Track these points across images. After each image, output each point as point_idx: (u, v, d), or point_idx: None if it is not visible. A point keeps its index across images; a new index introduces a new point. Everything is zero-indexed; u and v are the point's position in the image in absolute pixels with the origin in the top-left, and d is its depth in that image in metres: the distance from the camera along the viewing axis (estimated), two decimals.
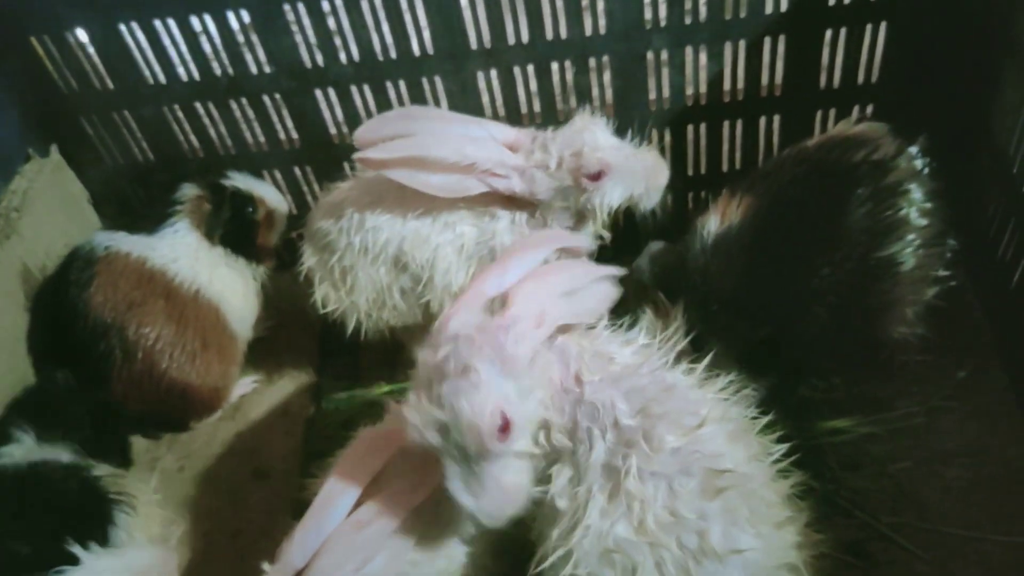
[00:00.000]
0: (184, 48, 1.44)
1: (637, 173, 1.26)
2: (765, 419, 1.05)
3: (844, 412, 1.34)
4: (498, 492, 0.96)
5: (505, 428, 0.92)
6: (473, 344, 0.94)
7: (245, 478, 1.46)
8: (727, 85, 1.45)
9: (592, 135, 1.24)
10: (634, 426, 0.96)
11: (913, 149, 1.25)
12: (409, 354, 1.42)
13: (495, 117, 1.47)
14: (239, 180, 1.52)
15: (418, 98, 1.46)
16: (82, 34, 1.43)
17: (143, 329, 1.40)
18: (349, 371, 1.58)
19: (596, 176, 1.24)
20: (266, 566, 1.01)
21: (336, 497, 1.02)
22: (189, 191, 1.48)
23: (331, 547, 1.00)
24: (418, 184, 1.22)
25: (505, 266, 1.06)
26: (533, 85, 1.45)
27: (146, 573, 1.09)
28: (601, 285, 1.14)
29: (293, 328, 1.66)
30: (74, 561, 1.03)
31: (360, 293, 1.36)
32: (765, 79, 1.44)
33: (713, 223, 1.30)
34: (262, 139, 1.56)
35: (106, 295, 1.38)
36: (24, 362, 1.43)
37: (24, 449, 1.24)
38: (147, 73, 1.47)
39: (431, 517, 1.05)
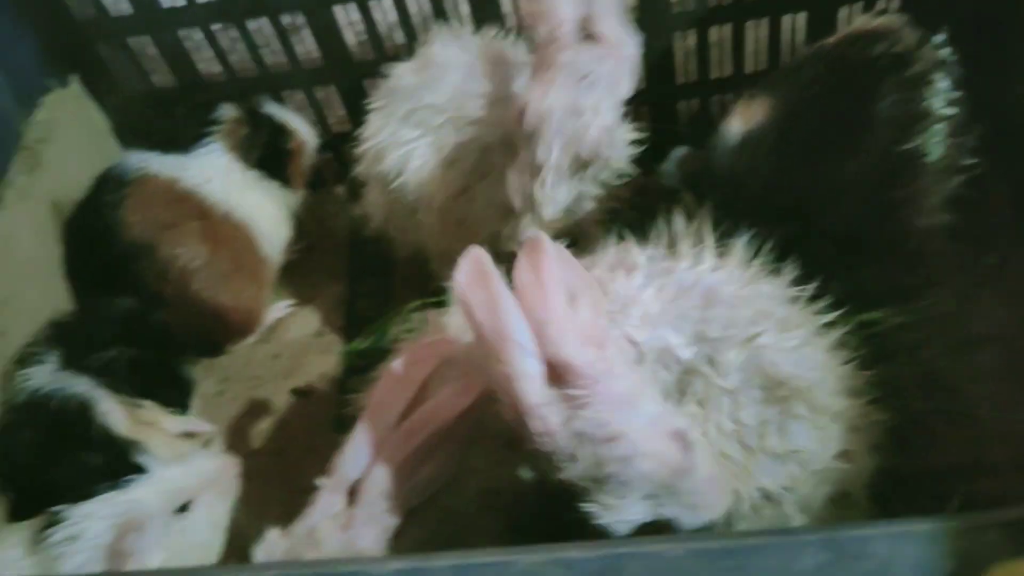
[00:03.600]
0: None
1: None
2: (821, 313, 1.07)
3: (875, 305, 1.34)
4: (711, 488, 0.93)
5: (682, 441, 0.88)
6: (597, 415, 0.87)
7: (285, 398, 1.49)
8: None
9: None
10: (693, 357, 0.98)
11: (938, 38, 1.25)
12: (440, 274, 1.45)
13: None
14: (273, 109, 1.52)
15: (441, 14, 1.44)
16: None
17: (176, 250, 1.40)
18: (381, 290, 1.60)
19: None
20: (320, 480, 1.03)
21: (385, 408, 1.04)
22: (228, 112, 1.49)
23: (384, 457, 1.01)
24: None
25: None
26: None
27: (213, 477, 1.13)
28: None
29: (323, 250, 1.67)
30: (142, 470, 1.07)
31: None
32: None
33: (737, 124, 1.30)
34: (283, 60, 1.55)
35: (139, 215, 1.39)
36: (58, 293, 1.44)
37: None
38: None
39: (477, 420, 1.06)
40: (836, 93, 1.23)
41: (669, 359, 0.99)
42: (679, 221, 1.32)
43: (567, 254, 0.96)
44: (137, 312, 1.35)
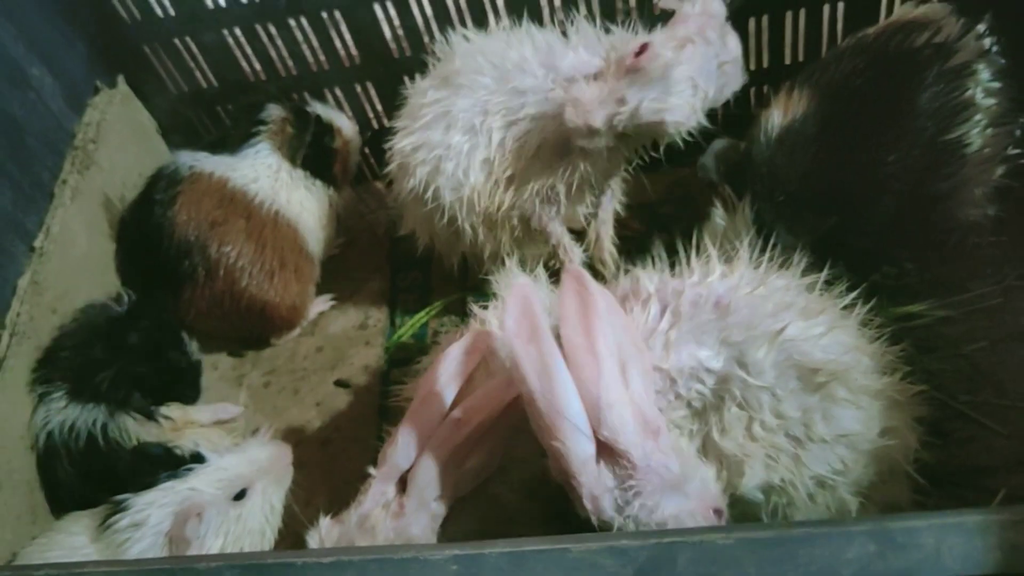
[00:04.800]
0: None
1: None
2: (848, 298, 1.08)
3: (918, 297, 1.34)
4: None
5: (721, 515, 0.94)
6: (647, 502, 0.90)
7: (329, 389, 1.52)
8: None
9: None
10: (723, 365, 1.00)
11: (980, 27, 1.24)
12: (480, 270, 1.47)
13: (551, 13, 1.46)
14: (319, 109, 1.55)
15: (477, 8, 1.46)
16: None
17: (225, 247, 1.44)
18: (421, 284, 1.62)
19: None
20: (371, 469, 1.04)
21: (433, 400, 1.05)
22: (274, 112, 1.52)
23: (433, 447, 1.03)
24: None
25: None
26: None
27: (268, 464, 1.16)
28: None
29: (363, 245, 1.70)
30: (200, 460, 1.11)
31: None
32: None
33: (777, 116, 1.31)
34: (322, 58, 1.57)
35: (190, 214, 1.43)
36: (111, 287, 1.47)
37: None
38: None
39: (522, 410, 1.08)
40: (877, 84, 1.23)
41: (702, 374, 1.01)
42: (718, 214, 1.37)
43: (610, 299, 0.97)
44: (122, 315, 1.37)
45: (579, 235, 1.46)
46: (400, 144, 1.35)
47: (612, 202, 1.46)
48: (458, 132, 1.30)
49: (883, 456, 1.00)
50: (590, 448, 0.89)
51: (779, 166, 1.27)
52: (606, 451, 0.90)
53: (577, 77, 1.24)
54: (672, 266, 1.12)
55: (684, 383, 1.01)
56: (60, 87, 1.48)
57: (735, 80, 1.25)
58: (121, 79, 1.59)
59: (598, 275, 1.46)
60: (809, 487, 0.99)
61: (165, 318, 1.42)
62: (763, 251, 1.10)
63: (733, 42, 1.24)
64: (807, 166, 1.26)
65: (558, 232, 1.40)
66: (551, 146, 1.30)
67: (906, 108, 1.21)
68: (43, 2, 1.46)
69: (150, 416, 1.33)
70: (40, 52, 1.44)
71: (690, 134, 1.25)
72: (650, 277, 1.08)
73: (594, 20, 1.33)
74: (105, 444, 1.26)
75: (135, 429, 1.30)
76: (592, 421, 0.89)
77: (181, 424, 1.37)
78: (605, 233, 1.47)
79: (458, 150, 1.31)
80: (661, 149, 1.28)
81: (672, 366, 1.00)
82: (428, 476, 1.02)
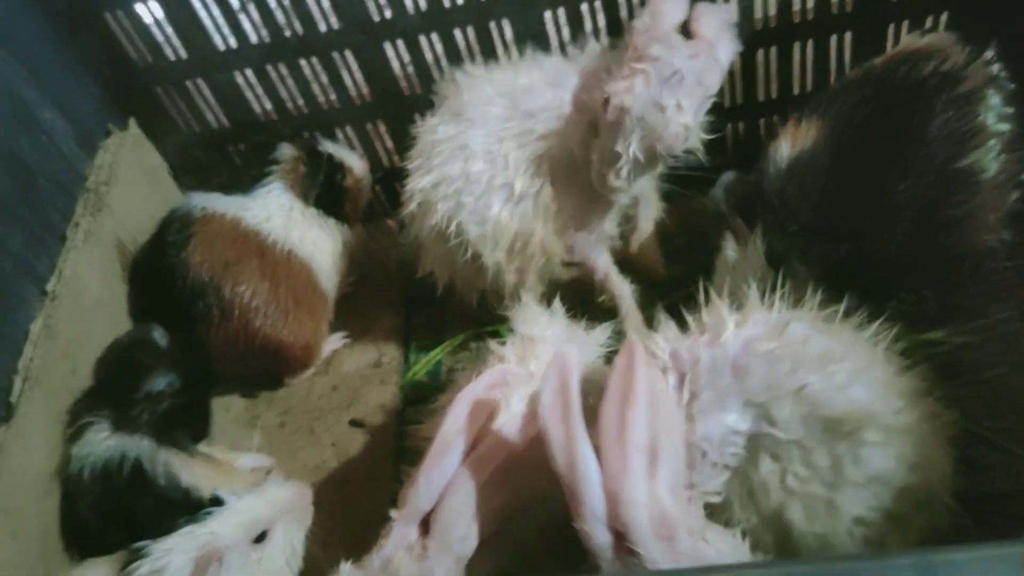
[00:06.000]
0: (253, 10, 1.45)
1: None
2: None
3: (936, 324, 1.33)
4: None
5: None
6: None
7: (345, 428, 1.51)
8: (796, 5, 1.43)
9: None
10: (751, 425, 0.99)
11: (987, 54, 1.24)
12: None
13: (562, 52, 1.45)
14: (330, 147, 1.55)
15: (487, 44, 1.47)
16: (154, 6, 1.45)
17: (239, 288, 1.44)
18: (434, 320, 1.61)
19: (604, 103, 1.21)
20: (392, 512, 1.02)
21: (453, 438, 1.03)
22: (287, 151, 1.52)
23: (456, 487, 1.01)
24: None
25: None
26: (601, 20, 1.44)
27: (288, 505, 1.15)
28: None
29: (377, 282, 1.69)
30: (219, 503, 1.09)
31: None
32: None
33: (785, 147, 1.30)
34: (333, 97, 1.58)
35: (203, 255, 1.42)
36: (126, 331, 1.45)
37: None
38: (217, 39, 1.49)
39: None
40: (887, 113, 1.23)
41: (732, 437, 1.00)
42: (729, 246, 1.36)
43: (658, 384, 0.95)
44: (170, 351, 1.38)
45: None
46: (419, 183, 1.35)
47: (651, 209, 1.47)
48: (477, 161, 1.31)
49: (919, 486, 0.99)
50: (607, 537, 0.89)
51: (790, 197, 1.27)
52: (622, 541, 0.89)
53: None
54: (687, 302, 1.11)
55: (716, 451, 1.00)
56: (72, 129, 1.48)
57: (709, 62, 1.22)
58: (132, 121, 1.59)
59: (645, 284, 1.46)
60: (849, 527, 0.98)
61: (202, 354, 1.43)
62: (776, 286, 1.09)
63: (678, 41, 1.21)
64: (818, 196, 1.25)
65: (603, 264, 1.40)
66: (564, 166, 1.30)
67: (916, 136, 1.21)
68: (55, 45, 1.47)
69: (192, 453, 1.33)
70: (52, 95, 1.44)
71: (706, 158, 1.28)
72: (664, 344, 1.06)
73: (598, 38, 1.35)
74: (150, 477, 1.25)
75: (180, 466, 1.28)
76: (609, 512, 0.88)
77: (225, 465, 1.36)
78: (649, 242, 1.47)
79: (477, 179, 1.31)
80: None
81: (700, 438, 0.99)
82: (451, 517, 1.00)
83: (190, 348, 1.42)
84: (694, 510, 0.96)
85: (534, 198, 1.32)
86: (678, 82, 1.19)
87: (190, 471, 1.29)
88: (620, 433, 0.90)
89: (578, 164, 1.30)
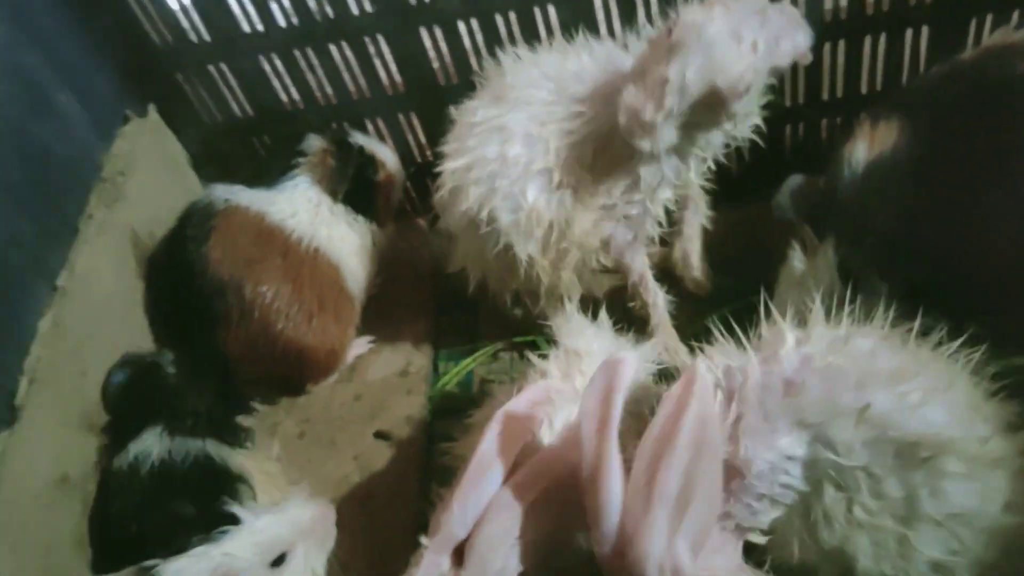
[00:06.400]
0: None
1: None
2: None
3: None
4: None
5: None
6: None
7: (369, 441, 1.42)
8: None
9: None
10: (807, 450, 0.88)
11: None
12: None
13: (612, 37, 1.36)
14: (361, 139, 1.47)
15: (529, 29, 1.37)
16: None
17: (260, 287, 1.35)
18: (467, 326, 1.52)
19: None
20: (423, 539, 0.94)
21: (491, 461, 0.95)
22: (315, 143, 1.43)
23: (493, 515, 0.93)
24: None
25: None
26: (654, 3, 1.33)
27: (309, 526, 1.06)
28: None
29: (405, 284, 1.60)
30: (235, 521, 1.01)
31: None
32: None
33: (863, 150, 1.19)
34: (364, 85, 1.49)
35: (224, 250, 1.34)
36: (138, 330, 1.39)
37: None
38: (243, 22, 1.40)
39: None
40: (979, 114, 1.12)
41: (784, 464, 0.89)
42: (796, 257, 1.26)
43: (707, 422, 0.85)
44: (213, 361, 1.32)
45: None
46: (452, 165, 1.26)
47: (697, 215, 1.37)
48: (515, 144, 1.21)
49: (1011, 531, 0.88)
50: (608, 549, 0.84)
51: (870, 205, 1.16)
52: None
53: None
54: (738, 316, 1.01)
55: (765, 481, 0.89)
56: (88, 116, 1.39)
57: (791, 30, 1.14)
58: (152, 108, 1.51)
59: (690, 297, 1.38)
60: (924, 571, 0.87)
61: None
62: (846, 301, 0.98)
63: None
64: (900, 204, 1.15)
65: (639, 266, 1.31)
66: (609, 154, 1.21)
67: (1014, 140, 1.10)
68: (71, 24, 1.38)
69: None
70: (68, 78, 1.36)
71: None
72: (714, 363, 0.95)
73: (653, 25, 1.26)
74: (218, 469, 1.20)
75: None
76: (619, 547, 0.83)
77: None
78: (693, 250, 1.38)
79: (514, 163, 1.21)
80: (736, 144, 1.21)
81: (742, 461, 0.89)
82: (487, 547, 0.92)
83: (207, 352, 1.34)
84: (729, 549, 0.88)
85: (574, 187, 1.23)
86: (754, 21, 1.09)
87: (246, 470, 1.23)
88: (651, 478, 0.81)
89: (616, 133, 1.18)
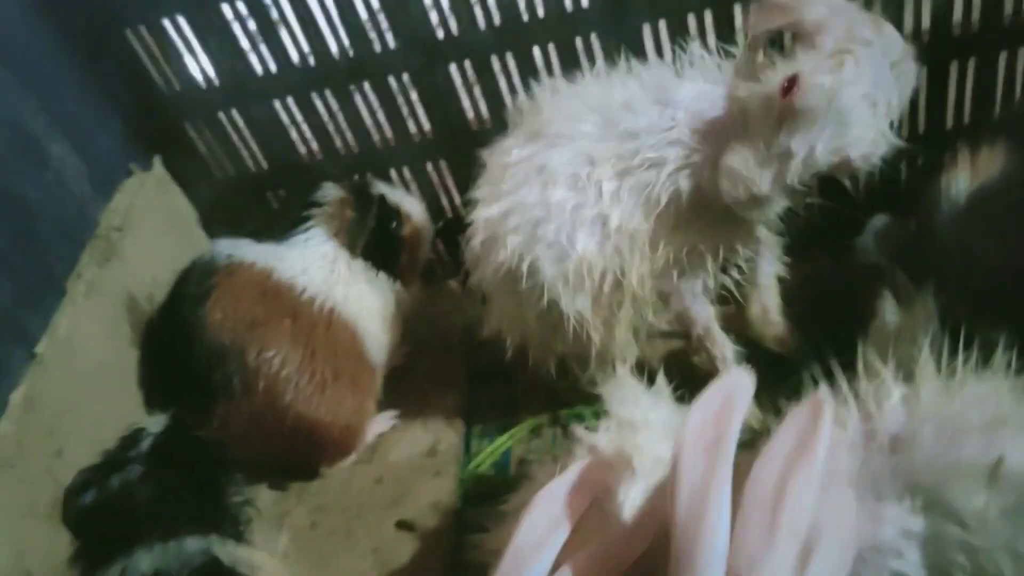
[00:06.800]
0: (297, 28, 1.25)
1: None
2: None
3: None
4: None
5: None
6: None
7: (389, 532, 1.25)
8: (957, 15, 1.18)
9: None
10: (925, 524, 0.71)
11: None
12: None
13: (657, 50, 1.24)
14: (384, 189, 1.34)
15: (570, 62, 1.24)
16: (182, 23, 1.26)
17: (266, 353, 1.21)
18: (502, 399, 1.37)
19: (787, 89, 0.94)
20: None
21: (530, 554, 0.80)
22: (331, 192, 1.31)
23: None
24: None
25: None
26: (711, 38, 1.20)
27: None
28: None
29: (434, 353, 1.45)
30: None
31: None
32: (1008, 5, 1.16)
33: (963, 180, 1.06)
34: (388, 131, 1.37)
35: (225, 311, 1.20)
36: (128, 404, 1.24)
37: None
38: (256, 64, 1.29)
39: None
40: None
41: (896, 542, 0.71)
42: (888, 308, 1.10)
43: (841, 459, 0.73)
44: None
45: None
46: (486, 213, 1.12)
47: (773, 264, 1.22)
48: (559, 188, 1.07)
49: None
50: None
51: (975, 241, 1.01)
52: None
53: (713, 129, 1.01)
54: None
55: (871, 564, 0.72)
56: (85, 168, 1.28)
57: (910, 76, 0.99)
58: (157, 160, 1.40)
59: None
60: None
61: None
62: (958, 352, 0.81)
63: (889, 30, 0.99)
64: (1013, 238, 0.99)
65: (704, 317, 1.15)
66: (689, 204, 1.06)
67: None
68: (72, 73, 1.28)
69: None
70: (63, 127, 1.25)
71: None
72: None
73: (708, 49, 1.11)
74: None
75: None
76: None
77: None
78: (772, 303, 1.23)
79: (560, 208, 1.07)
80: None
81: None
82: None
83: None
84: None
85: (631, 234, 1.08)
86: (887, 76, 0.94)
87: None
88: (776, 504, 0.66)
89: (705, 190, 1.05)
